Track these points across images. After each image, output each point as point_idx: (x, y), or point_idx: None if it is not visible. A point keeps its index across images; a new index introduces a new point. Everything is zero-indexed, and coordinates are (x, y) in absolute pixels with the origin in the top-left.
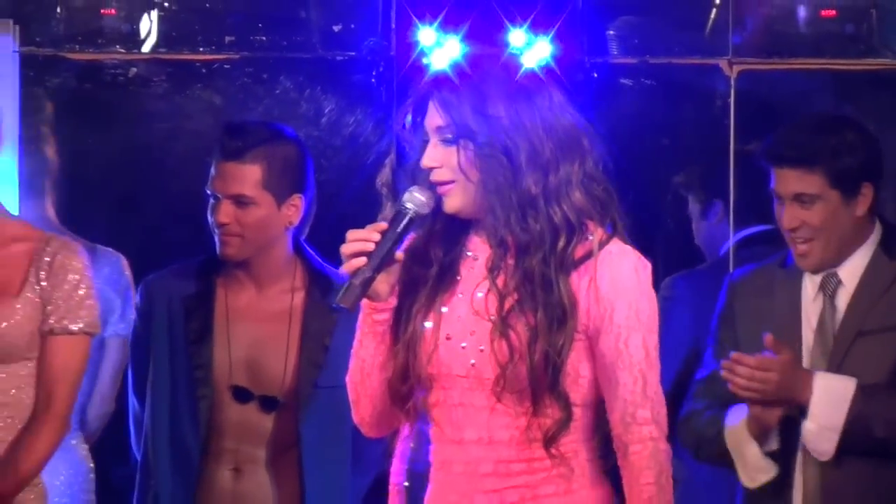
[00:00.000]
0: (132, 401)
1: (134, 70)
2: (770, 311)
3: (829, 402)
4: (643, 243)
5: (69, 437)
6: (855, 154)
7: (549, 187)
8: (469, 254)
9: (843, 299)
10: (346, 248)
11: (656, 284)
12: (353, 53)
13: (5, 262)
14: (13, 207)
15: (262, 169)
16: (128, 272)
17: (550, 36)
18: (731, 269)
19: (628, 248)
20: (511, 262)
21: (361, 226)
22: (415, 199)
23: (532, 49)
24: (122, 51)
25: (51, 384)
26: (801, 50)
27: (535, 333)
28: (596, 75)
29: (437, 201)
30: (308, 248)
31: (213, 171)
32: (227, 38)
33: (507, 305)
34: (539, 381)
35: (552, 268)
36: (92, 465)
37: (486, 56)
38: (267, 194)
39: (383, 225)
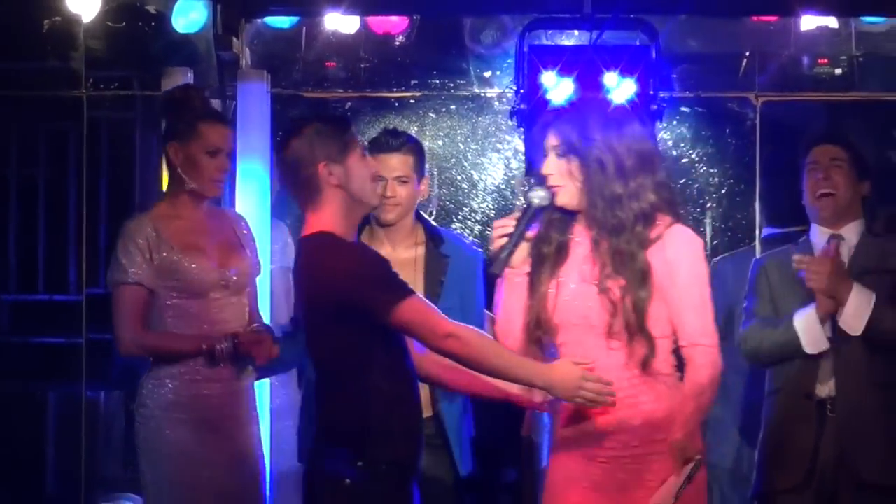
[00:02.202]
0: None
1: (349, 104)
2: (793, 272)
3: (862, 296)
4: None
5: None
6: (863, 153)
7: (629, 189)
8: (576, 239)
9: (845, 251)
10: (495, 232)
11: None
12: (498, 91)
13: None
14: (265, 199)
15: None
16: (286, 231)
17: (634, 78)
18: (757, 255)
19: (687, 229)
20: (605, 242)
21: (515, 207)
22: (538, 195)
23: (620, 87)
24: (341, 91)
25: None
26: (806, 85)
27: (625, 291)
28: (664, 105)
29: (552, 198)
30: (423, 217)
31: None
32: (412, 82)
33: (605, 272)
34: (630, 324)
35: (633, 245)
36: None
37: (589, 97)
38: (414, 175)
39: (517, 214)
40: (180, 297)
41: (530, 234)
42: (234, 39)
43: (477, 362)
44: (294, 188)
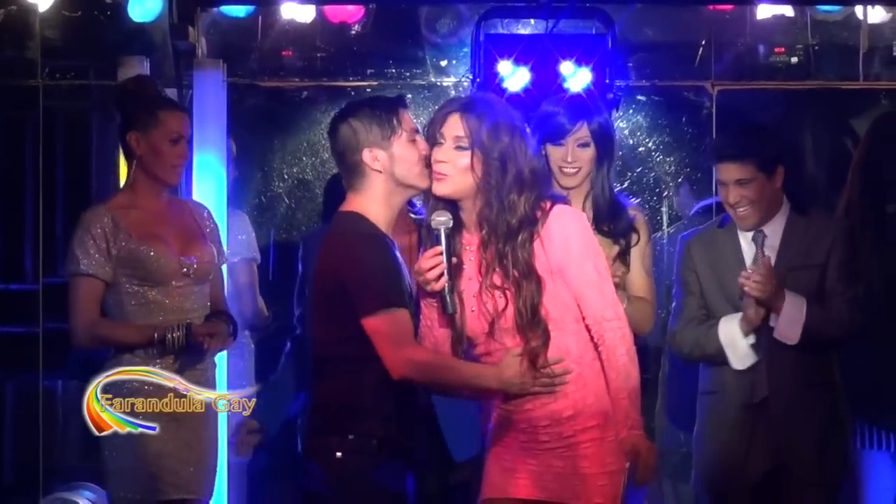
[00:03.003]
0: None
1: (305, 93)
2: (718, 258)
3: (795, 303)
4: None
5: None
6: (769, 147)
7: (524, 197)
8: (466, 247)
9: (769, 247)
10: (428, 274)
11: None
12: (455, 80)
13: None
14: (221, 188)
15: None
16: (247, 220)
17: (590, 67)
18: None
19: (567, 207)
20: (493, 245)
21: None
22: (441, 220)
23: (576, 76)
24: (298, 80)
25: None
26: (762, 74)
27: (518, 288)
28: (620, 94)
29: (450, 219)
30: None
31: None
32: (369, 71)
33: (497, 274)
34: (525, 318)
35: (525, 245)
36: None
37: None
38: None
39: (437, 248)
40: (141, 286)
41: (455, 258)
42: (190, 28)
43: (434, 386)
44: (342, 170)
